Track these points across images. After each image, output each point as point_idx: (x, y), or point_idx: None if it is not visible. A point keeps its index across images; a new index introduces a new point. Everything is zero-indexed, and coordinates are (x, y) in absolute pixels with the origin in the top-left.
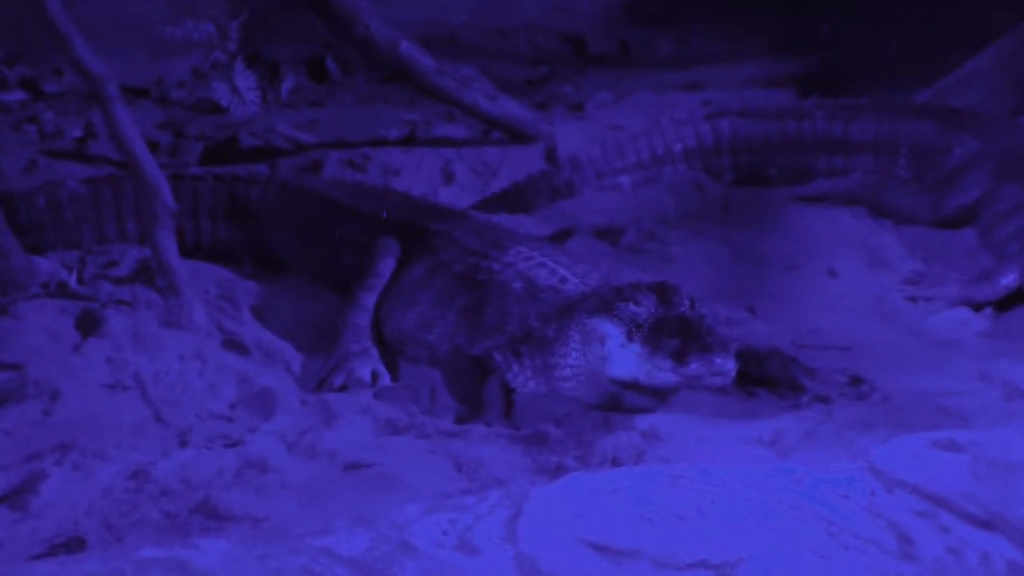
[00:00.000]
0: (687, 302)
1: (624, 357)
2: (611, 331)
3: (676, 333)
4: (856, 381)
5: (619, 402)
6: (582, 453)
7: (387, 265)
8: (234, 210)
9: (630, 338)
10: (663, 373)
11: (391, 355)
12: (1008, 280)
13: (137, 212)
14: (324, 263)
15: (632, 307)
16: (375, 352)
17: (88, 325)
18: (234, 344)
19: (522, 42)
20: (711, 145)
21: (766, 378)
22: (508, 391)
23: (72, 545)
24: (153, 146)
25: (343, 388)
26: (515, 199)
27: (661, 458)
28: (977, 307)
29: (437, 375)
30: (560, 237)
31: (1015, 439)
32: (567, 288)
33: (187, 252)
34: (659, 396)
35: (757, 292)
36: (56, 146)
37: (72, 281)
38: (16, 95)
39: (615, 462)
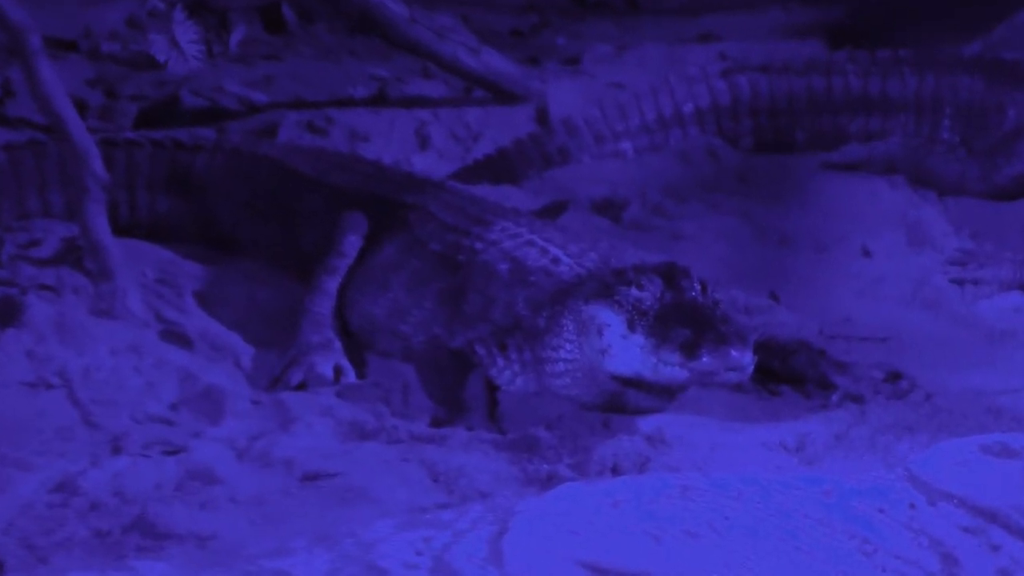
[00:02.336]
0: (698, 286)
1: (626, 350)
2: (611, 320)
3: (686, 322)
4: (894, 377)
5: (620, 402)
6: (578, 460)
7: (353, 244)
8: (175, 181)
9: (633, 328)
10: (671, 368)
11: (358, 348)
12: None
13: (63, 183)
14: (280, 242)
15: (635, 292)
16: (339, 344)
17: (5, 314)
18: (175, 336)
19: None
20: (727, 105)
21: (790, 374)
22: (492, 389)
23: None
24: (81, 107)
25: (302, 386)
26: (501, 168)
27: (669, 466)
28: None
29: (411, 371)
30: (552, 211)
31: None
32: (560, 270)
33: (121, 229)
34: (666, 395)
35: (780, 275)
36: None
37: None
38: None
39: (616, 471)
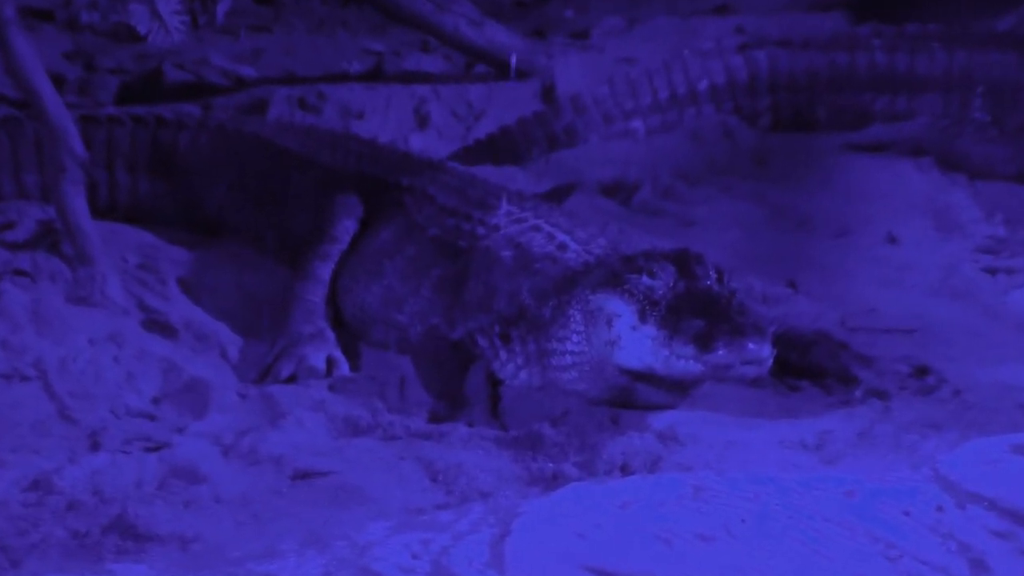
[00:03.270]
0: (713, 274)
1: (636, 342)
2: (620, 309)
3: (700, 312)
4: (921, 372)
5: (630, 397)
6: (584, 459)
7: (346, 228)
8: (158, 160)
9: (643, 318)
10: (684, 361)
11: (351, 339)
12: None
13: (39, 162)
14: (269, 226)
15: (646, 280)
16: (331, 335)
17: None
18: (158, 325)
19: None
20: (744, 82)
21: (810, 368)
22: (494, 383)
23: None
24: (58, 81)
25: (292, 379)
26: (504, 148)
27: (681, 465)
28: None
29: (407, 363)
30: (559, 194)
31: None
32: (567, 257)
33: (100, 211)
34: (679, 390)
35: (800, 262)
36: None
37: None
38: None
39: (625, 470)
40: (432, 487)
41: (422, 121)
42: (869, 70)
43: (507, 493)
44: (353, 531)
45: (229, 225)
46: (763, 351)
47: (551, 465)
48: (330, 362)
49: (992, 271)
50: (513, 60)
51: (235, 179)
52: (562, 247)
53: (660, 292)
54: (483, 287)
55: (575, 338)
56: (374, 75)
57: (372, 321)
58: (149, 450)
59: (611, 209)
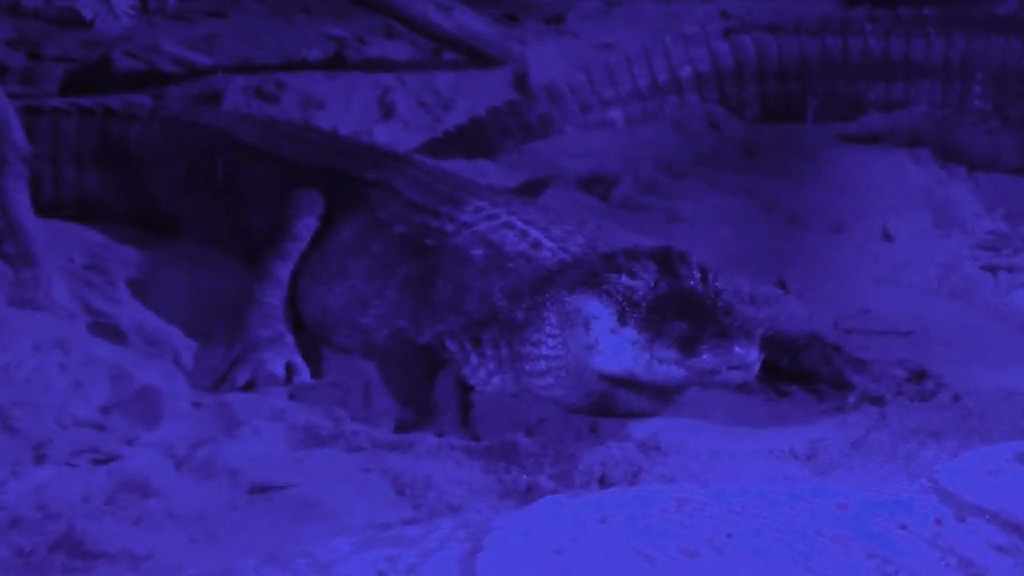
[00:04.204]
0: (698, 273)
1: (616, 345)
2: (599, 311)
3: (683, 314)
4: (918, 376)
5: (609, 404)
6: (561, 470)
7: (307, 226)
8: (107, 154)
9: (624, 321)
10: (666, 366)
11: (313, 343)
12: None
13: None
14: (225, 223)
15: (626, 280)
16: (291, 339)
17: None
18: (107, 329)
19: None
20: (731, 69)
21: (801, 372)
22: (465, 390)
23: None
24: (1, 70)
25: (249, 386)
26: (475, 140)
27: (664, 477)
28: None
29: (372, 369)
30: (533, 189)
31: None
32: (542, 256)
33: (45, 209)
34: (661, 396)
35: (790, 260)
36: None
37: None
38: None
39: (604, 482)
40: (399, 501)
41: (387, 111)
42: (863, 56)
43: (479, 507)
44: (315, 548)
45: (182, 223)
46: (751, 355)
47: (525, 477)
48: (290, 368)
49: (993, 269)
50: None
51: (189, 174)
52: (536, 245)
53: (641, 293)
54: (452, 287)
55: (551, 342)
56: (336, 63)
57: (335, 324)
58: (98, 463)
59: (589, 204)
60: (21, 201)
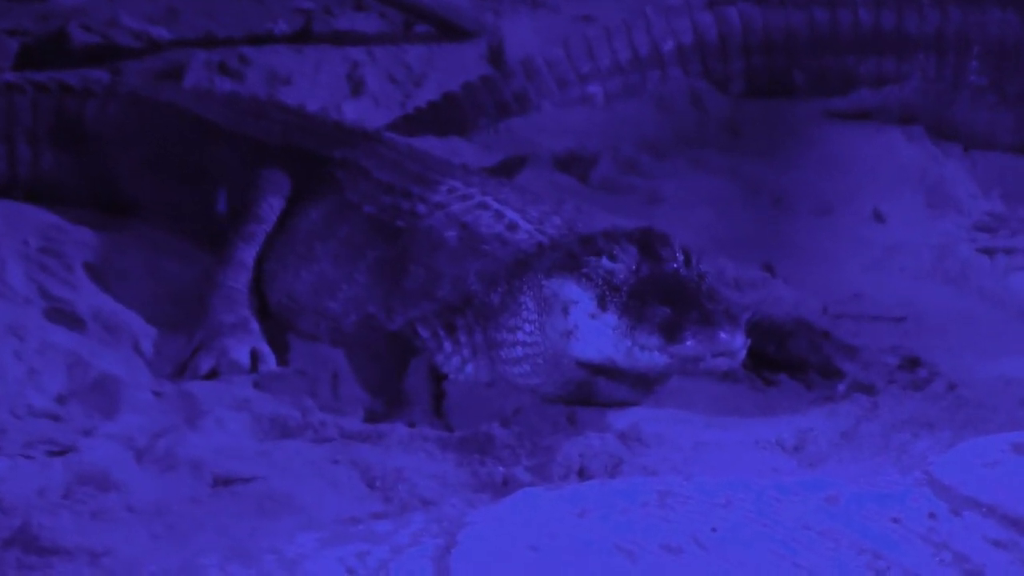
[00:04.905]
0: (681, 256)
1: (595, 331)
2: (578, 296)
3: (666, 299)
4: (911, 364)
5: (589, 393)
6: (538, 462)
7: (272, 207)
8: (63, 132)
9: (603, 305)
10: (648, 353)
11: (278, 329)
12: None
13: None
14: (187, 204)
15: (606, 263)
16: (256, 326)
17: None
18: (63, 315)
19: None
20: (715, 42)
21: (789, 360)
22: (438, 378)
23: None
24: None
25: (212, 374)
26: (447, 116)
27: (645, 469)
28: None
29: (341, 357)
30: (509, 168)
31: None
32: (518, 238)
33: None
34: (643, 385)
35: (777, 243)
36: None
37: None
38: None
39: (583, 474)
40: (369, 494)
41: (356, 87)
42: (852, 29)
43: (452, 501)
44: (281, 543)
45: (142, 204)
46: (736, 341)
47: (501, 469)
48: (255, 355)
49: (990, 252)
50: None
51: (148, 153)
52: (512, 227)
53: (622, 276)
54: (424, 271)
55: (527, 328)
56: (302, 36)
57: (301, 310)
58: (53, 454)
59: (567, 184)
60: None
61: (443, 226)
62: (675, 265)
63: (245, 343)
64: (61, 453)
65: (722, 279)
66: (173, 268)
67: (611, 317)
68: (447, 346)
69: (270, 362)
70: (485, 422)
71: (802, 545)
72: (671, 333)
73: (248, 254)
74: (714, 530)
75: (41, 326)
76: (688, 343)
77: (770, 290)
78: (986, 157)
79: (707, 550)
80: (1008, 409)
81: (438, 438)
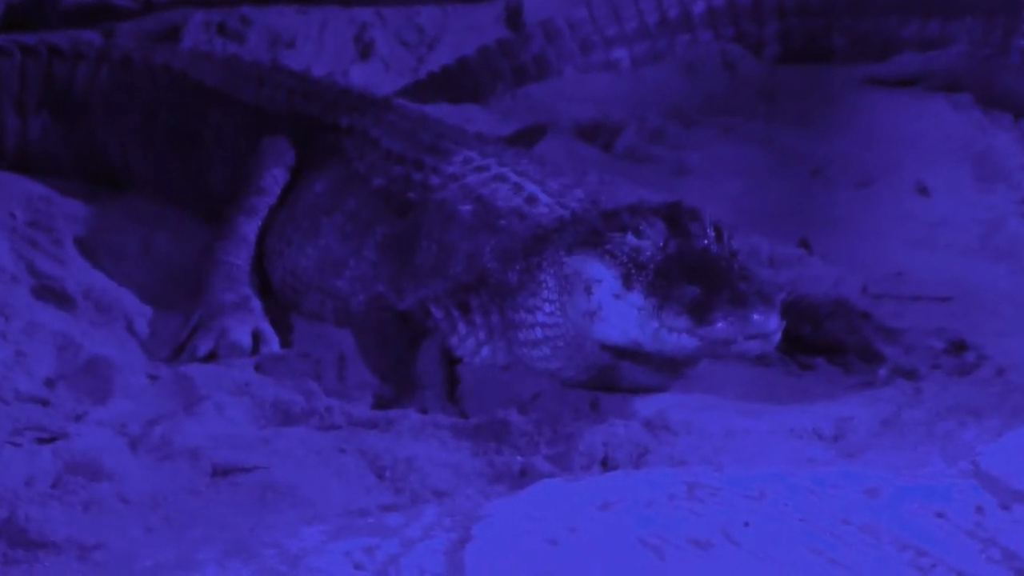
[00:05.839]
0: (711, 232)
1: (620, 312)
2: (601, 274)
3: (695, 277)
4: (958, 347)
5: (612, 378)
6: (558, 451)
7: (275, 178)
8: (52, 98)
9: (628, 284)
10: (676, 335)
11: (281, 309)
12: None
13: None
14: (183, 176)
15: (631, 239)
16: (258, 305)
17: None
18: (52, 293)
19: None
20: (747, 4)
21: (827, 343)
22: (451, 362)
23: None
24: None
25: (211, 357)
26: (462, 82)
27: (673, 459)
28: None
29: (348, 339)
30: (528, 138)
31: None
32: (537, 212)
33: None
34: (670, 369)
35: (814, 218)
36: None
37: None
38: None
39: (606, 464)
40: (378, 485)
41: (364, 50)
42: None
43: (467, 492)
44: (284, 537)
45: (137, 175)
46: (770, 323)
47: (519, 459)
48: (256, 337)
49: None
50: None
51: (143, 120)
52: (531, 200)
53: (648, 254)
54: (437, 248)
55: (547, 308)
56: None
57: (306, 288)
58: (42, 441)
59: (590, 155)
60: None
61: (457, 199)
62: (705, 242)
63: (246, 324)
64: (50, 440)
65: (755, 256)
66: (169, 244)
67: (637, 297)
68: (461, 327)
69: (273, 344)
70: (502, 408)
71: (840, 541)
72: (701, 314)
73: (250, 228)
74: (746, 524)
75: (29, 305)
76: (719, 325)
77: (806, 268)
78: None
79: (738, 545)
80: None
81: (452, 425)
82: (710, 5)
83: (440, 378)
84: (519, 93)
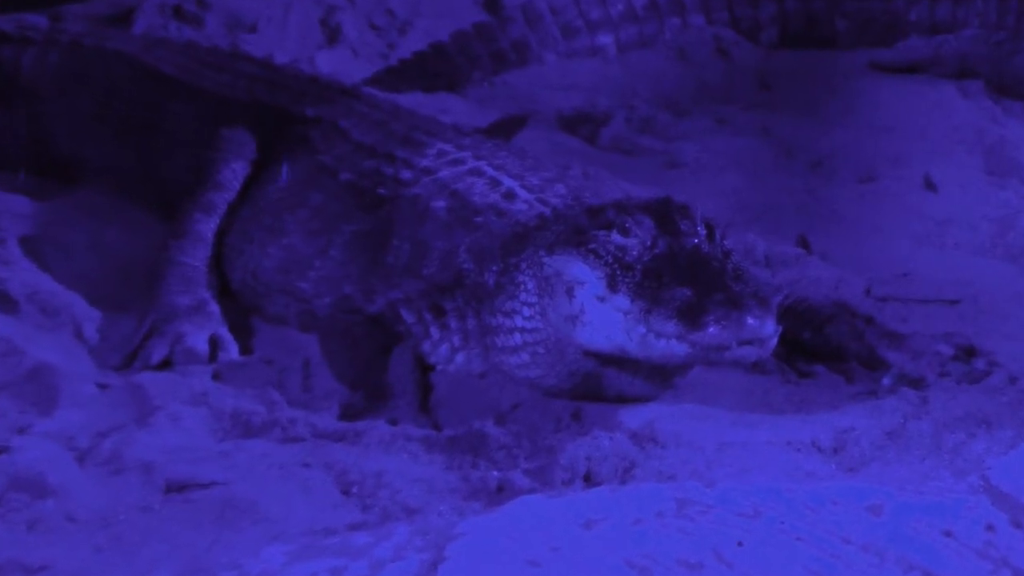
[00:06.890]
0: (703, 230)
1: (604, 316)
2: (584, 275)
3: (686, 279)
4: (967, 353)
5: (597, 386)
6: (538, 465)
7: (235, 172)
8: None
9: (613, 286)
10: (665, 341)
11: (242, 313)
12: None
13: None
14: (137, 169)
15: (617, 238)
16: (216, 308)
17: None
18: None
19: None
20: None
21: (827, 349)
22: (424, 369)
23: None
24: None
25: (166, 364)
26: (436, 69)
27: (661, 473)
28: None
29: (313, 344)
30: (506, 129)
31: None
32: (516, 208)
33: None
34: (659, 377)
35: (814, 214)
36: None
37: None
38: None
39: (590, 479)
40: (345, 502)
41: (331, 35)
42: None
43: (440, 509)
44: (244, 558)
45: (87, 168)
46: (766, 328)
47: (496, 473)
48: (214, 343)
49: None
50: None
51: (94, 109)
52: (509, 196)
53: (635, 253)
54: (409, 246)
55: (526, 311)
56: None
57: (268, 290)
58: None
59: (573, 147)
60: None
61: (431, 195)
62: (696, 240)
63: (203, 329)
64: None
65: (751, 256)
66: (121, 242)
67: (622, 300)
68: (434, 332)
69: (231, 350)
70: (478, 419)
71: (841, 561)
72: (691, 318)
73: (207, 226)
74: (740, 544)
75: None
76: (711, 330)
77: (806, 268)
78: None
79: (731, 567)
80: None
81: (424, 437)
82: None
83: (412, 387)
84: (497, 81)
